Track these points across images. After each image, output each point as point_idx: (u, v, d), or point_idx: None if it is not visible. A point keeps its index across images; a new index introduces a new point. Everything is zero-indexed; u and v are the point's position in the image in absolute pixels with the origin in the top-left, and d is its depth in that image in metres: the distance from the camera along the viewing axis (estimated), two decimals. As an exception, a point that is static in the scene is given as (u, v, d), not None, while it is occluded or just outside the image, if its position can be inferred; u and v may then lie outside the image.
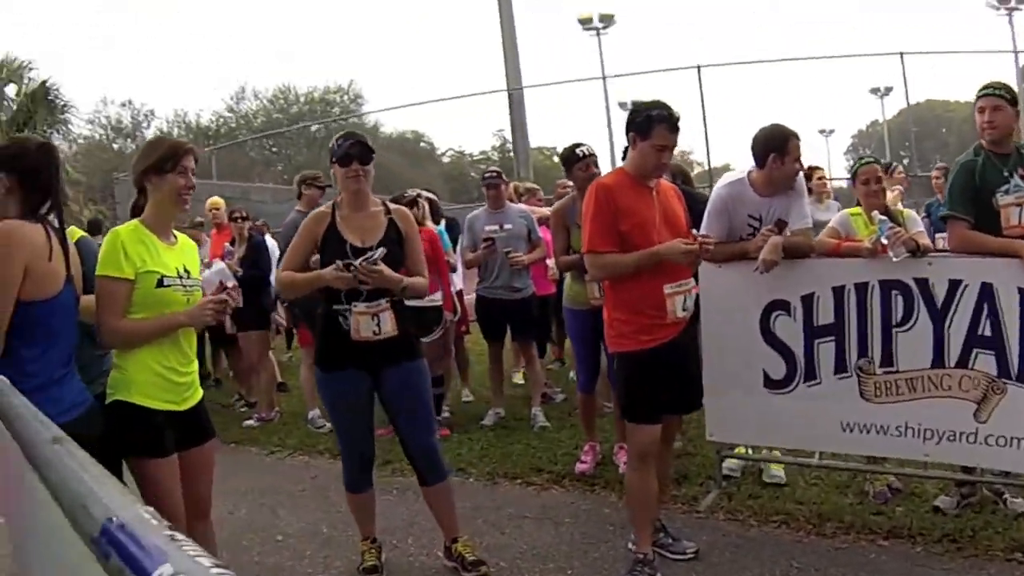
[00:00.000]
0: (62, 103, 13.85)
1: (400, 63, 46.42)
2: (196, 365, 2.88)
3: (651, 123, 3.19)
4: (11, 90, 13.78)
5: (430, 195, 6.64)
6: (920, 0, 49.72)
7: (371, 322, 3.16)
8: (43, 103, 13.44)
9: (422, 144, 28.28)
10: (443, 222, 6.51)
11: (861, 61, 11.20)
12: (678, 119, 3.24)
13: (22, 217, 2.38)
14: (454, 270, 6.08)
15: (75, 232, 2.99)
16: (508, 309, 5.74)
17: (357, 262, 3.09)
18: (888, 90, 13.91)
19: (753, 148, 3.66)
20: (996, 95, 3.30)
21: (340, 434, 3.43)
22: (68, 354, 2.47)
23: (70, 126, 14.85)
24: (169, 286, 2.68)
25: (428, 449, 3.37)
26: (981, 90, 3.34)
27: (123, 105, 30.55)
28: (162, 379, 2.68)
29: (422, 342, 3.88)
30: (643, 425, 3.27)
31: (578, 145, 4.67)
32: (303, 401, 6.44)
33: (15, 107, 13.37)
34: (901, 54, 10.67)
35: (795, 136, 3.61)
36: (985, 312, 3.22)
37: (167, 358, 2.69)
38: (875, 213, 3.65)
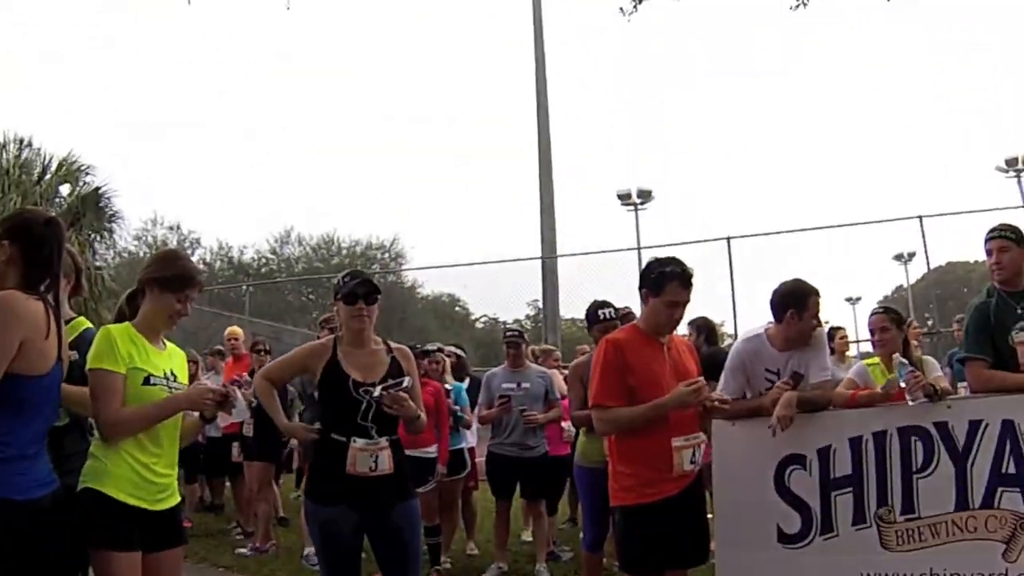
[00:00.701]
0: (111, 212, 13.98)
1: (438, 226, 48.69)
2: (175, 470, 2.86)
3: (663, 280, 3.26)
4: (65, 189, 13.97)
5: (457, 351, 6.77)
6: (933, 166, 51.57)
7: (368, 459, 3.12)
8: (93, 208, 13.59)
9: (457, 308, 28.76)
10: (467, 380, 6.57)
11: (883, 227, 11.38)
12: (691, 276, 3.30)
13: (21, 289, 2.35)
14: (468, 427, 6.10)
15: (83, 323, 3.05)
16: (519, 466, 5.70)
17: (379, 389, 3.12)
18: (911, 255, 14.19)
19: (772, 302, 3.67)
20: (1002, 237, 3.39)
21: (324, 568, 3.29)
22: (42, 433, 2.41)
23: (116, 236, 14.81)
24: (155, 385, 2.73)
25: None
26: (989, 233, 3.43)
27: (171, 228, 30.93)
28: (137, 475, 2.66)
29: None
30: None
31: (604, 305, 4.78)
32: (301, 537, 6.24)
33: (65, 206, 13.43)
34: (920, 217, 10.87)
35: (815, 293, 3.63)
36: (1008, 449, 3.13)
37: (145, 454, 2.68)
38: (896, 356, 3.63)
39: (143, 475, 2.66)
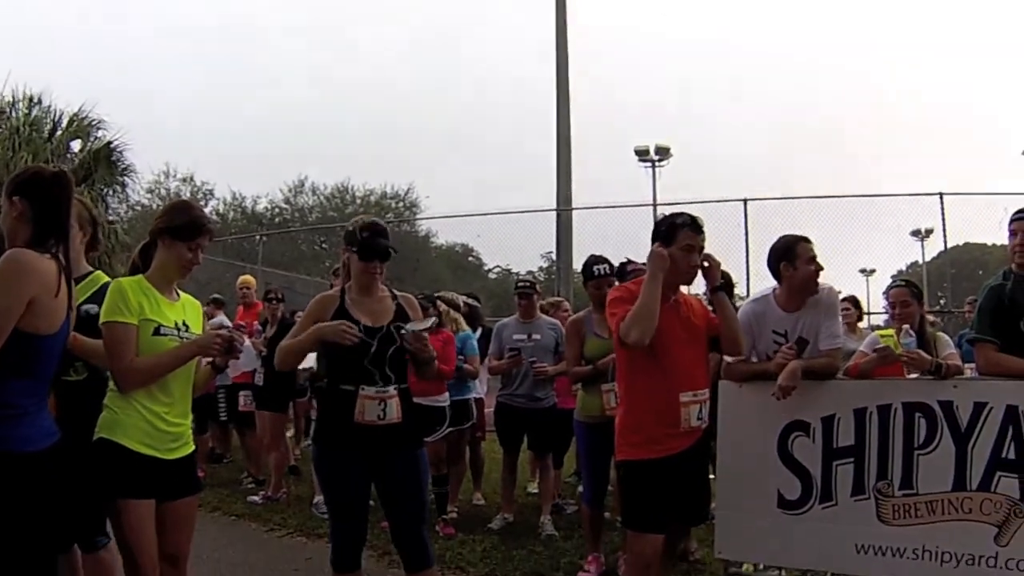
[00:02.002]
0: (123, 166, 13.88)
1: (454, 175, 48.28)
2: (189, 419, 2.91)
3: (674, 229, 3.27)
4: (76, 145, 13.82)
5: (471, 301, 6.74)
6: (958, 145, 50.75)
7: (377, 407, 3.14)
8: (105, 162, 13.47)
9: (470, 258, 28.79)
10: (480, 330, 6.56)
11: (902, 201, 11.23)
12: (701, 223, 3.31)
13: (32, 245, 2.33)
14: (475, 377, 6.09)
15: (101, 277, 3.06)
16: (527, 418, 5.72)
17: (408, 327, 3.16)
18: (928, 232, 14.03)
19: (768, 265, 3.69)
20: None
21: (331, 512, 3.35)
22: (44, 389, 2.39)
23: (128, 190, 14.77)
24: (166, 335, 2.76)
25: (417, 538, 3.27)
26: (1016, 214, 3.39)
27: (184, 180, 30.60)
28: (149, 425, 2.71)
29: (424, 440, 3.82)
30: (644, 534, 3.22)
31: (600, 261, 4.74)
32: (312, 486, 6.35)
33: (77, 162, 13.27)
34: (941, 194, 10.76)
35: (803, 240, 3.63)
36: (1010, 435, 3.14)
37: (156, 403, 2.73)
38: (906, 327, 3.65)
39: (155, 424, 2.72)
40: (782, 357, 3.49)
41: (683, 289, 3.48)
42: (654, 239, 3.34)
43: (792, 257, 3.56)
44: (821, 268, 3.59)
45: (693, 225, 3.28)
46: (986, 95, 58.36)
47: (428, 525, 3.44)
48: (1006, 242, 3.49)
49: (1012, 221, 3.39)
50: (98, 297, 2.83)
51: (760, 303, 3.73)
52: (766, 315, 3.66)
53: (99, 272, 3.11)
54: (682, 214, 3.35)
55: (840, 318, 3.83)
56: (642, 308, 3.14)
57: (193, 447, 2.93)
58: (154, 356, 2.71)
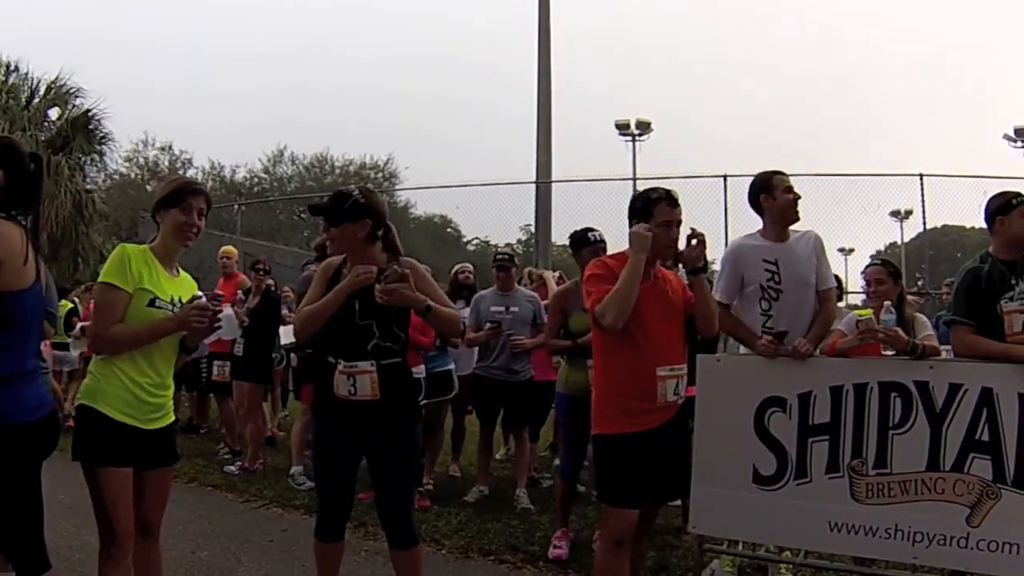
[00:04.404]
0: (102, 134, 13.85)
1: (435, 145, 47.80)
2: (170, 391, 2.91)
3: (650, 205, 3.25)
4: (54, 113, 13.81)
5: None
6: (940, 126, 51.15)
7: (347, 382, 3.10)
8: (83, 131, 13.43)
9: (449, 230, 28.71)
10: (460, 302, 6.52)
11: (883, 181, 11.32)
12: (676, 196, 3.30)
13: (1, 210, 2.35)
14: (456, 347, 6.05)
15: None
16: (503, 391, 5.71)
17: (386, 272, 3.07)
18: (908, 213, 14.16)
19: (749, 201, 3.83)
20: None
21: (318, 480, 3.36)
22: (36, 349, 2.44)
23: (106, 159, 14.71)
24: (160, 308, 2.77)
25: (401, 515, 3.26)
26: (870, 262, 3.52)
27: (163, 149, 30.32)
28: (130, 394, 2.72)
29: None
30: (619, 509, 3.21)
31: (590, 230, 4.71)
32: (288, 457, 6.39)
33: (54, 130, 13.32)
34: (921, 175, 10.85)
35: (779, 173, 3.77)
36: (984, 417, 3.17)
37: (139, 373, 2.74)
38: (888, 302, 3.70)
39: (136, 394, 2.72)
40: (763, 349, 3.56)
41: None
42: (630, 217, 3.32)
43: (770, 188, 3.72)
44: (798, 196, 3.73)
45: (669, 199, 3.26)
46: (969, 78, 58.85)
47: (414, 503, 3.44)
48: (984, 225, 3.50)
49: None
50: None
51: (749, 237, 3.85)
52: (755, 247, 3.78)
53: None
54: (656, 189, 3.32)
55: (826, 259, 3.88)
56: (620, 292, 3.12)
57: (173, 418, 2.94)
58: (133, 327, 2.71)
